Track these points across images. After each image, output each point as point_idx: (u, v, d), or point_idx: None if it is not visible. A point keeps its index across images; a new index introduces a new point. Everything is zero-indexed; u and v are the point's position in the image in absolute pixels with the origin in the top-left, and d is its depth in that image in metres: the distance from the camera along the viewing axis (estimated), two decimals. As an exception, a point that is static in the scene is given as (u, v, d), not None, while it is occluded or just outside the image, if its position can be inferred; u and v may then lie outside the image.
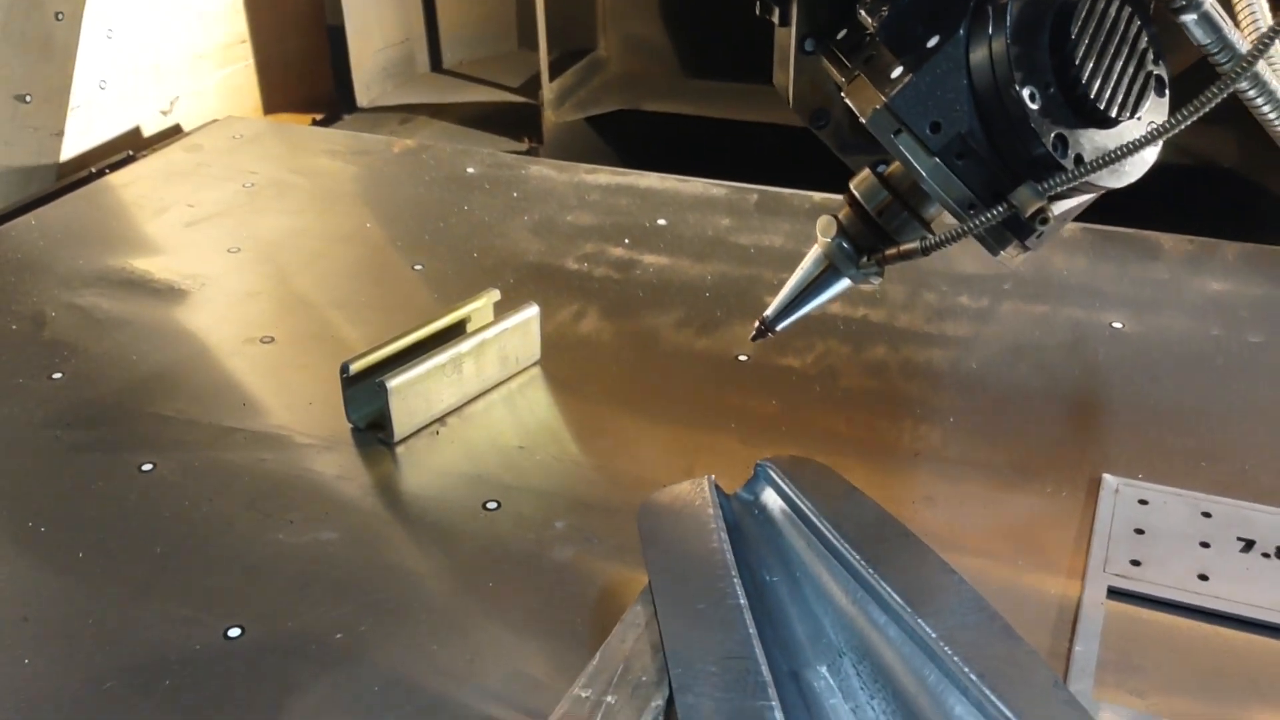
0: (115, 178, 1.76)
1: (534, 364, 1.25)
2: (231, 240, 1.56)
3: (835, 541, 0.81)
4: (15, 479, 1.08)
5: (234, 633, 0.89)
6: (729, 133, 2.29)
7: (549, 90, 2.30)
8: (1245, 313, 1.35)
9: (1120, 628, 0.89)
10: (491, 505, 1.04)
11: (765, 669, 0.70)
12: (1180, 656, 0.86)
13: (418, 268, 1.48)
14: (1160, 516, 1.00)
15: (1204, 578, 0.93)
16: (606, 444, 1.13)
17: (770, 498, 0.88)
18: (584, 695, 0.69)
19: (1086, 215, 0.78)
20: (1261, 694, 0.83)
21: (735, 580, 0.77)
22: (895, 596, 0.76)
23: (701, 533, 0.83)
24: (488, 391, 1.20)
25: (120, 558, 0.98)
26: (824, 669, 0.76)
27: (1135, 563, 0.95)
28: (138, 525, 1.02)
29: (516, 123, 2.35)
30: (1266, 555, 0.96)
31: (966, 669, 0.70)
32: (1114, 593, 0.92)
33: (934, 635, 0.72)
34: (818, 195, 1.66)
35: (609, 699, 0.69)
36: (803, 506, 0.84)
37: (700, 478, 0.88)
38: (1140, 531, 0.99)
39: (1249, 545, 0.97)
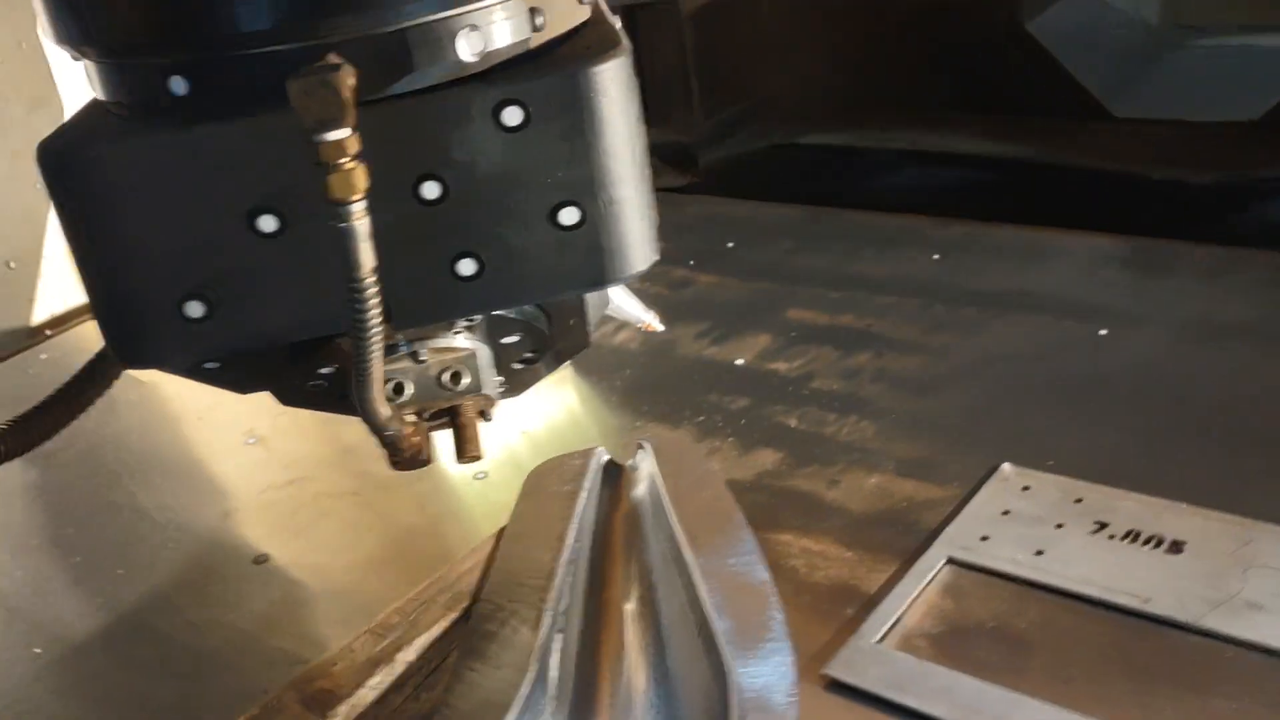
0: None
1: (563, 367, 1.50)
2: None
3: (668, 509, 0.99)
4: None
5: (257, 558, 1.20)
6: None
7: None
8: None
9: (942, 586, 1.01)
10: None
11: (559, 587, 0.90)
12: (975, 613, 0.98)
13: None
14: (1031, 502, 1.10)
15: (1039, 553, 1.03)
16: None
17: (644, 472, 1.07)
18: (415, 595, 0.93)
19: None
20: (1028, 648, 0.93)
21: (574, 525, 0.98)
22: (687, 552, 0.94)
23: (569, 491, 1.03)
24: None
25: None
26: (630, 605, 0.95)
27: (984, 538, 1.06)
28: None
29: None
30: (1113, 537, 1.04)
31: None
32: (951, 561, 1.04)
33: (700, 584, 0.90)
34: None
35: (440, 599, 0.93)
36: (657, 482, 1.03)
37: (590, 448, 1.09)
38: (1006, 513, 1.09)
39: (1101, 527, 1.05)
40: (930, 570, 1.03)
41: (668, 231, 1.94)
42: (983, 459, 1.18)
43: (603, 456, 1.09)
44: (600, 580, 0.97)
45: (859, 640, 0.95)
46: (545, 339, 0.71)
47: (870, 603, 1.00)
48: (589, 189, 0.58)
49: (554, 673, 0.86)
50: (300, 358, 0.66)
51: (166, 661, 1.09)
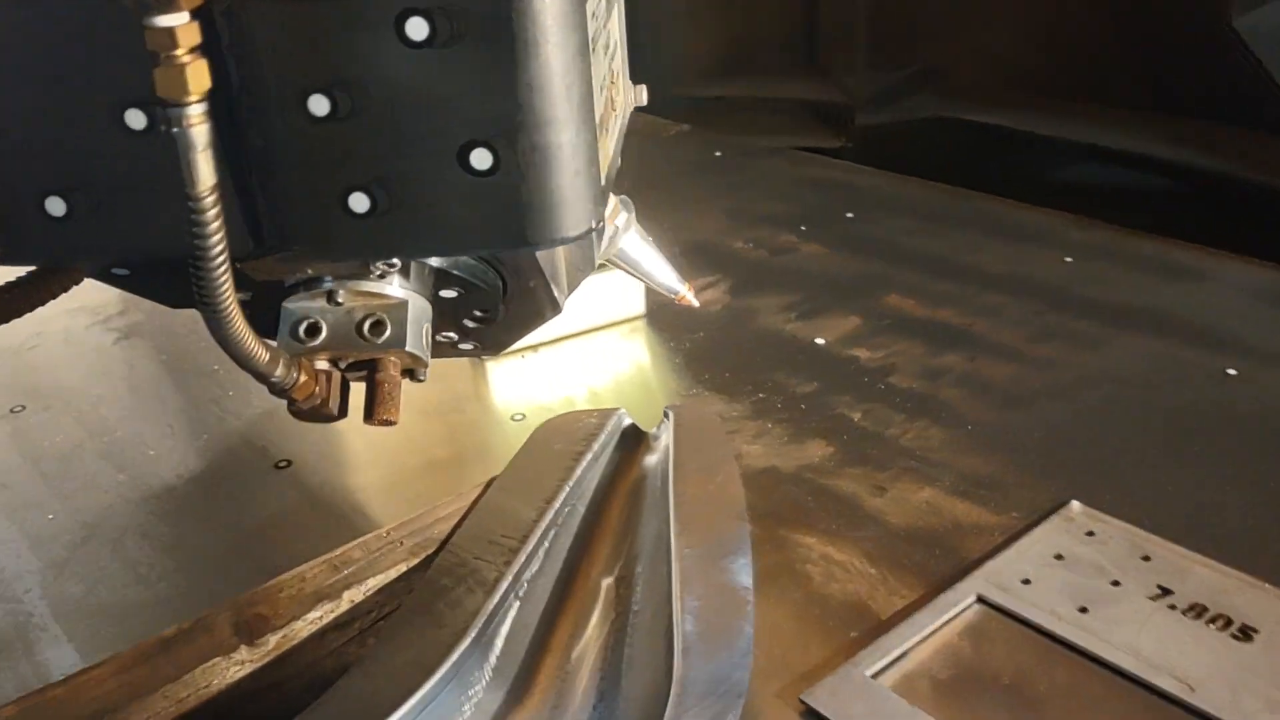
0: None
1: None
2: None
3: (669, 488, 0.91)
4: None
5: (274, 464, 1.18)
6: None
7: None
8: None
9: (965, 626, 0.90)
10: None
11: (531, 551, 0.84)
12: (992, 664, 0.86)
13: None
14: (1093, 549, 0.97)
15: (1084, 610, 0.91)
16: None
17: (663, 443, 0.99)
18: (385, 533, 0.88)
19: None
20: (1040, 715, 0.82)
21: (567, 488, 0.91)
22: (674, 540, 0.86)
23: (575, 451, 0.96)
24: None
25: None
26: (609, 580, 0.88)
27: (1026, 581, 0.94)
28: None
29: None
30: (1174, 608, 0.90)
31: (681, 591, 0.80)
32: (981, 600, 0.93)
33: (677, 578, 0.82)
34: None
35: (406, 543, 0.87)
36: (669, 455, 0.95)
37: (612, 408, 1.01)
38: (1060, 557, 0.97)
39: (1164, 593, 0.92)
40: (955, 606, 0.92)
41: (789, 190, 1.83)
42: (1053, 491, 1.05)
43: (624, 419, 1.01)
44: (585, 550, 0.90)
45: (852, 669, 0.85)
46: (494, 298, 0.63)
47: (878, 629, 0.90)
48: (508, 130, 0.49)
49: (499, 642, 0.80)
50: None
51: (165, 553, 1.07)
